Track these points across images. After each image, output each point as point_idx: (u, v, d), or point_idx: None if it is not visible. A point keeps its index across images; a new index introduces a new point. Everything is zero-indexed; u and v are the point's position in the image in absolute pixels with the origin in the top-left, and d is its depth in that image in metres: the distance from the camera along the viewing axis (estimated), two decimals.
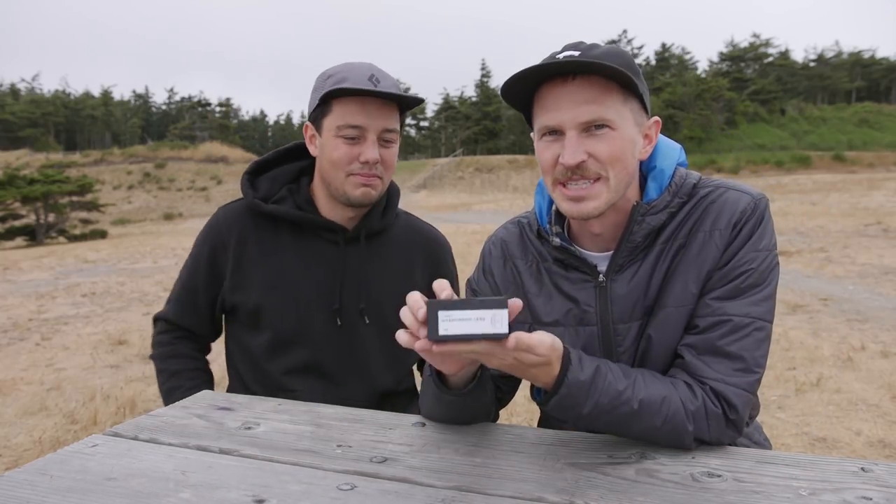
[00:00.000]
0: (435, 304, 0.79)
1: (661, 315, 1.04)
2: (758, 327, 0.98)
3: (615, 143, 0.98)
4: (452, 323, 0.78)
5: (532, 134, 1.09)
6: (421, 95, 1.42)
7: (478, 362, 0.96)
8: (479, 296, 1.23)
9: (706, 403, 0.95)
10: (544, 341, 0.85)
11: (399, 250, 1.55)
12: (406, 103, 1.43)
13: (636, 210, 1.04)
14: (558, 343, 0.89)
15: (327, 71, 1.41)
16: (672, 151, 1.10)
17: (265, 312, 1.45)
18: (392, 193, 1.57)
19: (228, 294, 1.48)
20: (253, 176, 1.52)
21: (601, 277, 1.08)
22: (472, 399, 1.02)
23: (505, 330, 0.78)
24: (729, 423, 0.97)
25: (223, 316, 1.56)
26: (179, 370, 1.52)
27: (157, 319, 1.58)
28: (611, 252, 1.08)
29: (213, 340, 1.62)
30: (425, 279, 1.54)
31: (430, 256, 1.60)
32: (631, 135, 1.01)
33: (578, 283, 1.10)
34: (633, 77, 0.96)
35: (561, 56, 0.99)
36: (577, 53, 0.98)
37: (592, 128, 0.98)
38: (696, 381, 0.98)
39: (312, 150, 1.46)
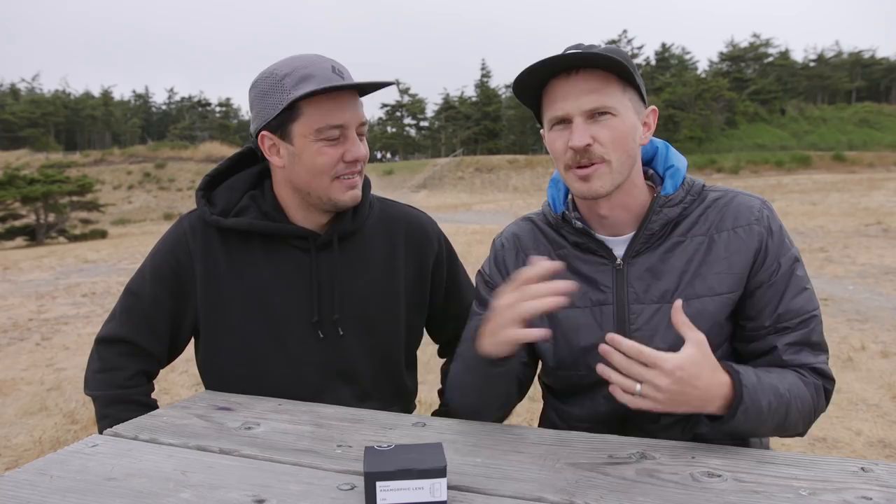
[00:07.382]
0: (372, 476, 0.81)
1: (697, 304, 1.12)
2: (819, 313, 1.15)
3: (617, 128, 1.09)
4: (391, 493, 0.81)
5: (542, 131, 1.18)
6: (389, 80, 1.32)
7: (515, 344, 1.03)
8: (491, 286, 1.27)
9: (814, 381, 1.10)
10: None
11: (377, 245, 1.44)
12: (366, 91, 1.32)
13: (656, 201, 1.16)
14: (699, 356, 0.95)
15: (276, 70, 1.26)
16: (682, 157, 1.24)
17: (240, 332, 1.35)
18: (363, 187, 1.45)
19: (199, 315, 1.37)
20: (208, 191, 1.39)
21: (619, 261, 1.17)
22: (506, 371, 1.10)
23: (443, 497, 0.81)
24: (828, 395, 1.13)
25: (187, 338, 1.42)
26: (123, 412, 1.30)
27: (100, 342, 1.39)
28: (626, 238, 1.18)
29: (164, 367, 1.45)
30: (409, 266, 1.46)
31: (411, 240, 1.48)
32: (632, 121, 1.12)
33: (597, 265, 1.19)
34: (630, 67, 1.07)
35: None
36: (578, 52, 1.09)
37: (596, 115, 1.08)
38: (797, 370, 1.10)
39: (276, 161, 1.31)
